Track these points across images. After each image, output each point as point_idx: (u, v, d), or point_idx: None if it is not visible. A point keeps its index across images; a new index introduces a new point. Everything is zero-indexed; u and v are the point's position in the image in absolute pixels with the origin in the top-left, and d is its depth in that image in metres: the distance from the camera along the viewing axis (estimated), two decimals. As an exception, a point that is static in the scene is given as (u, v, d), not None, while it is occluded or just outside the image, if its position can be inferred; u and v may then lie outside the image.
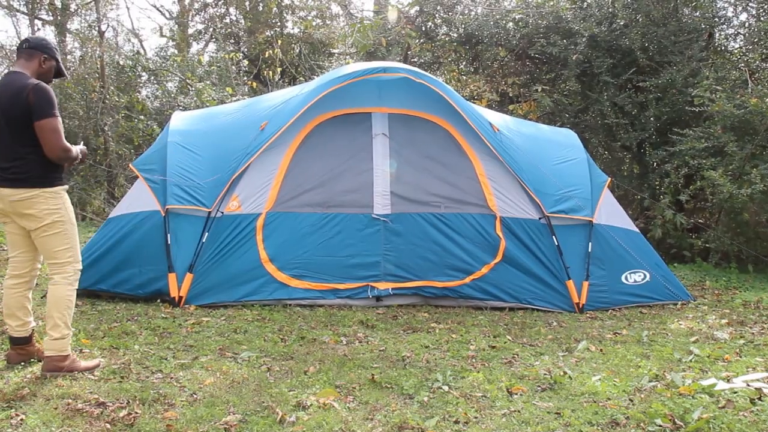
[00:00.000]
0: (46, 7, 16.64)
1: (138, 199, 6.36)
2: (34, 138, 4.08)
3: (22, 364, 4.33)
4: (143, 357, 4.66)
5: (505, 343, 5.36)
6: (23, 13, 17.06)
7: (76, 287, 4.31)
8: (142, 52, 16.78)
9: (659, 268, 6.86)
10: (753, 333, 5.85)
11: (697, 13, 10.56)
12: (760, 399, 4.09)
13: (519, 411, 3.90)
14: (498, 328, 5.80)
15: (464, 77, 12.79)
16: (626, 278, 6.69)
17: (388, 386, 4.26)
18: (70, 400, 3.80)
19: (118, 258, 6.04)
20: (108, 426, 3.51)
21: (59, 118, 4.13)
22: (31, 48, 4.24)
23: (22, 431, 3.40)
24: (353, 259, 6.38)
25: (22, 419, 3.54)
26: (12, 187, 4.10)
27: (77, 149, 4.28)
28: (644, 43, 10.19)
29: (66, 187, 4.31)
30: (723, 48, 11.22)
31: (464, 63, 13.28)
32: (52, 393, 3.89)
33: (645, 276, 6.72)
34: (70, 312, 4.24)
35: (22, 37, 16.31)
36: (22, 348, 4.35)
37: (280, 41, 15.20)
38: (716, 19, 10.60)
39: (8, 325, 4.33)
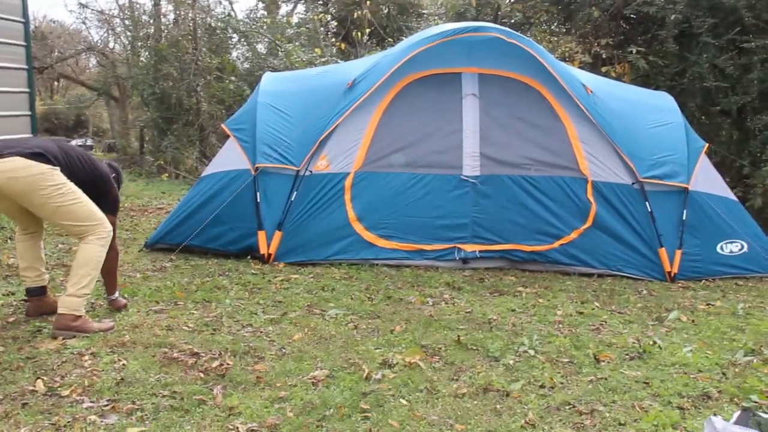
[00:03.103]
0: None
1: (229, 158, 6.50)
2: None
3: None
4: (234, 311, 4.80)
5: (592, 309, 5.27)
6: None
7: (107, 248, 4.30)
8: (232, 14, 16.99)
9: (758, 239, 6.58)
10: None
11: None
12: None
13: (606, 378, 3.84)
14: (586, 295, 5.70)
15: (555, 38, 12.45)
16: (722, 248, 6.45)
17: (474, 348, 4.26)
18: (166, 349, 3.95)
19: (209, 215, 6.19)
20: (201, 375, 3.64)
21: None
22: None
23: (124, 375, 3.57)
24: (441, 220, 6.37)
25: (123, 364, 3.71)
26: (19, 156, 3.98)
27: None
28: (751, 1, 9.67)
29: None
30: (840, 4, 10.51)
31: (556, 23, 12.93)
32: (150, 341, 4.06)
33: (742, 246, 6.47)
34: (95, 273, 4.24)
35: (120, 2, 16.77)
36: (40, 299, 4.50)
37: (368, 2, 15.13)
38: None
39: (27, 277, 4.46)
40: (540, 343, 4.39)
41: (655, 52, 10.53)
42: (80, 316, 4.17)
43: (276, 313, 4.80)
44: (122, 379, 3.52)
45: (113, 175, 4.63)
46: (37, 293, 4.49)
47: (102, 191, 4.41)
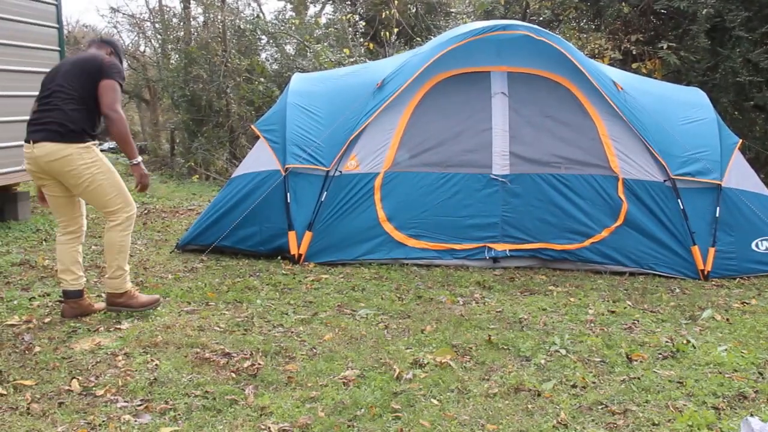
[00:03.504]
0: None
1: (259, 159, 6.53)
2: (89, 98, 4.41)
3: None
4: (265, 311, 4.83)
5: (624, 308, 5.23)
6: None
7: (130, 231, 4.62)
8: (261, 15, 17.09)
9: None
10: None
11: None
12: None
13: (639, 378, 3.81)
14: (617, 293, 5.66)
15: (585, 35, 12.34)
16: (757, 245, 6.35)
17: (505, 347, 4.24)
18: (198, 350, 3.99)
19: (240, 216, 6.23)
20: (233, 375, 3.67)
21: (120, 86, 4.48)
22: (102, 42, 4.83)
23: (157, 375, 3.61)
24: (471, 219, 6.35)
25: (156, 364, 3.76)
26: (48, 140, 4.33)
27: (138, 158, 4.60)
28: (786, -7, 9.51)
29: (97, 143, 4.58)
30: None
31: (585, 20, 12.82)
32: (182, 342, 4.10)
33: (778, 243, 6.37)
34: (123, 255, 4.57)
35: (150, 6, 16.90)
36: (75, 302, 4.58)
37: (396, 1, 15.12)
38: None
39: (63, 279, 4.56)
40: (571, 342, 4.36)
41: (687, 47, 10.40)
42: (124, 292, 4.62)
43: (307, 313, 4.82)
44: (155, 379, 3.57)
45: (109, 50, 4.75)
46: (73, 296, 4.58)
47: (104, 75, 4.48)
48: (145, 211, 9.02)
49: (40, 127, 4.37)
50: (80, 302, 4.60)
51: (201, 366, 3.78)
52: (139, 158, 4.58)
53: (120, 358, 3.85)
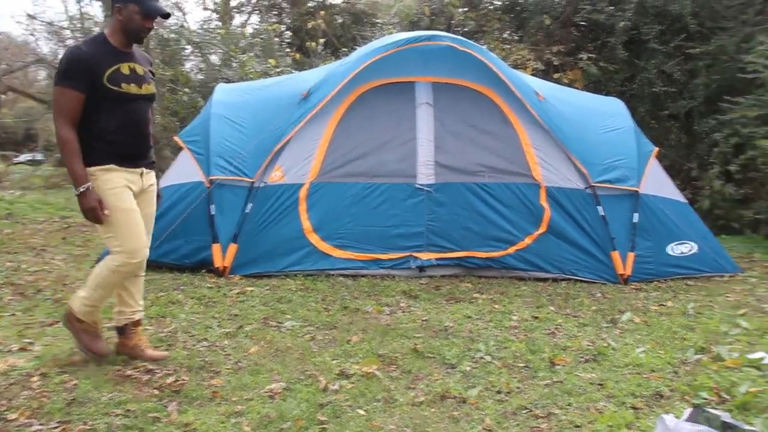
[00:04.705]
0: (93, -19, 16.81)
1: (183, 171, 6.43)
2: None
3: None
4: (189, 325, 4.75)
5: (548, 313, 5.33)
6: (70, -13, 17.25)
7: (118, 277, 3.82)
8: (185, 25, 16.86)
9: (707, 240, 6.73)
10: (804, 305, 5.73)
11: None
12: (810, 372, 4.01)
13: (562, 382, 3.88)
14: (541, 299, 5.77)
15: (508, 46, 12.58)
16: (672, 249, 6.57)
17: (431, 356, 4.27)
18: (119, 367, 3.89)
19: (163, 228, 6.09)
20: (156, 392, 3.59)
21: (68, 91, 3.64)
22: (113, 3, 3.82)
23: (76, 395, 3.50)
24: (396, 229, 6.39)
25: (75, 384, 3.63)
26: None
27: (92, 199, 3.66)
28: (695, 9, 9.91)
29: (106, 166, 3.74)
30: (779, 12, 10.83)
31: (508, 31, 13.08)
32: (102, 360, 3.98)
33: (692, 247, 6.60)
34: (102, 291, 3.84)
35: (70, 13, 16.48)
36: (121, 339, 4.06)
37: (323, 12, 15.14)
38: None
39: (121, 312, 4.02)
40: (496, 348, 4.42)
41: (606, 58, 10.73)
42: (82, 321, 3.89)
43: (232, 326, 4.76)
44: (73, 399, 3.45)
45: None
46: (119, 332, 4.06)
47: None
48: (65, 225, 8.76)
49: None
50: (123, 340, 4.05)
51: (122, 384, 3.68)
52: (83, 187, 3.63)
53: (35, 378, 3.71)
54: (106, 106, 3.71)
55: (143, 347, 4.04)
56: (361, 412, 3.43)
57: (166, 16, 3.96)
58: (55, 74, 3.76)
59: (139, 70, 3.86)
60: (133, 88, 3.79)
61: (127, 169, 3.80)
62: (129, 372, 3.82)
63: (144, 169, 3.92)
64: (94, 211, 3.64)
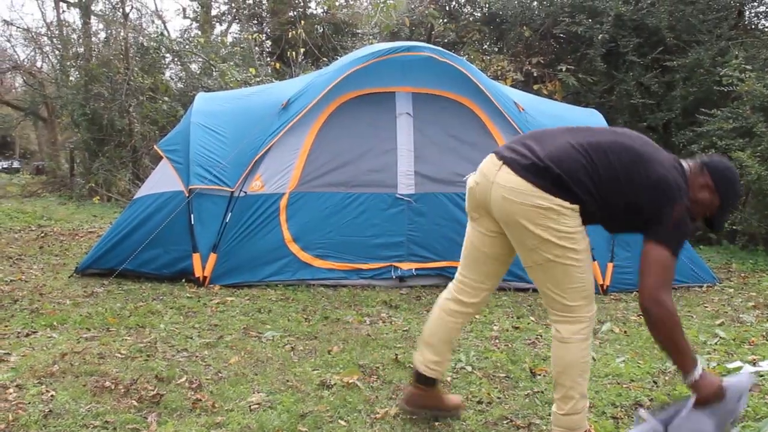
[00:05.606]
0: (71, -11, 16.74)
1: (162, 180, 6.41)
2: None
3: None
4: (169, 336, 4.71)
5: (528, 324, 5.35)
6: (49, -5, 17.17)
7: (591, 340, 3.02)
8: (165, 33, 16.80)
9: (684, 250, 6.73)
10: (780, 315, 5.80)
11: (727, -9, 10.38)
12: (787, 382, 4.05)
13: (542, 392, 3.89)
14: (521, 309, 5.79)
15: (488, 57, 12.67)
16: (651, 260, 6.61)
17: (412, 366, 4.23)
18: (98, 378, 3.84)
19: (143, 238, 6.08)
20: (135, 403, 3.55)
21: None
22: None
23: (53, 407, 3.45)
24: (377, 239, 6.39)
25: (52, 395, 3.59)
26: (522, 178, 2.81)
27: None
28: (672, 22, 10.05)
29: (565, 203, 2.79)
30: (753, 26, 11.03)
31: (488, 43, 13.19)
32: (81, 370, 3.94)
33: (670, 258, 6.64)
34: (584, 381, 2.98)
35: (48, 20, 16.34)
36: (423, 389, 3.37)
37: (303, 22, 15.16)
38: (746, -3, 10.43)
39: (420, 353, 3.39)
40: (477, 358, 4.43)
41: (585, 70, 10.84)
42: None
43: (212, 336, 4.73)
44: (50, 411, 3.40)
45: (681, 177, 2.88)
46: (423, 381, 3.36)
47: (656, 208, 2.84)
48: (42, 234, 8.68)
49: (522, 149, 2.94)
50: (430, 392, 3.39)
51: (101, 395, 3.64)
52: (698, 371, 2.84)
53: (11, 390, 3.65)
54: None
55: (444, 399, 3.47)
56: (342, 422, 3.42)
57: None
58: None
59: None
60: None
61: None
62: (108, 383, 3.77)
63: None
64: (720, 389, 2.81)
